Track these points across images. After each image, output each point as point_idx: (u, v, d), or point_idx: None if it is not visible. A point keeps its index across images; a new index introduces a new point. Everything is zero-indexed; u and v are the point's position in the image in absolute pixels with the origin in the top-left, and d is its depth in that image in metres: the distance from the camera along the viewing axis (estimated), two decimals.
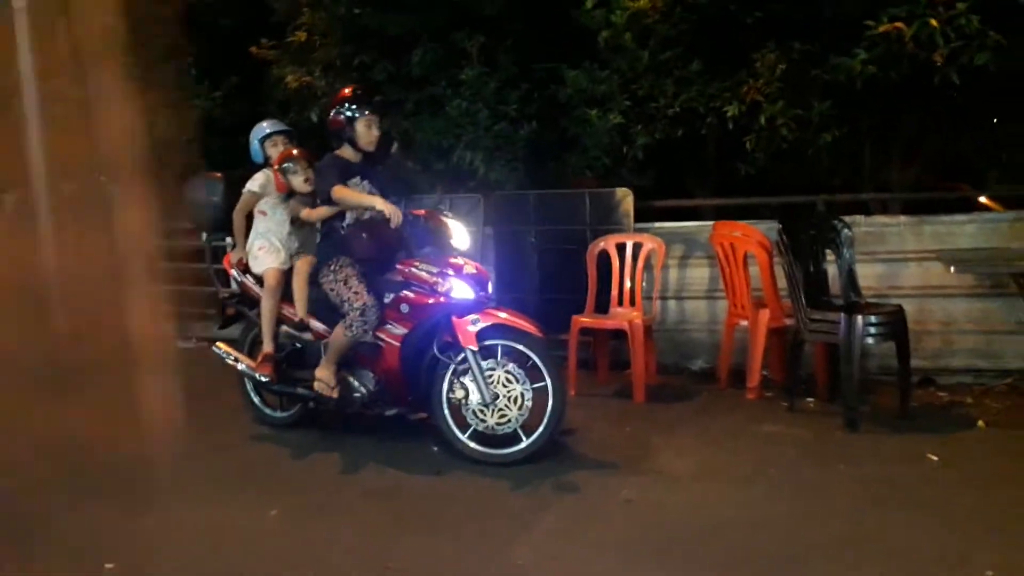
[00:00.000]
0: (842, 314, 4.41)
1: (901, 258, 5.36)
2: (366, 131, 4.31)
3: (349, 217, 4.36)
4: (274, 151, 4.76)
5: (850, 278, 4.80)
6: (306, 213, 4.50)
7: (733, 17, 5.50)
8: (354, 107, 4.30)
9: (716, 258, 5.33)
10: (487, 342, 4.09)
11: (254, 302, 4.69)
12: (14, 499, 3.83)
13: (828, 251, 4.89)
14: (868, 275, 5.16)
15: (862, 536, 3.20)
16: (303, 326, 4.52)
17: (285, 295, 4.55)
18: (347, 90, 4.48)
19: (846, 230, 4.84)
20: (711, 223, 5.54)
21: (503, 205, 6.34)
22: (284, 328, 4.62)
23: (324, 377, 4.30)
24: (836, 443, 4.26)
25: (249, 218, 4.72)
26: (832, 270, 4.90)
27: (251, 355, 4.73)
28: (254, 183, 4.71)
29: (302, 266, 4.53)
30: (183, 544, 3.30)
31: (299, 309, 4.50)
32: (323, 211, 4.40)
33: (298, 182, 4.54)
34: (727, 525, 3.33)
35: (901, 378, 4.63)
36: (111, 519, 3.56)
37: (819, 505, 3.50)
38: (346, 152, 4.39)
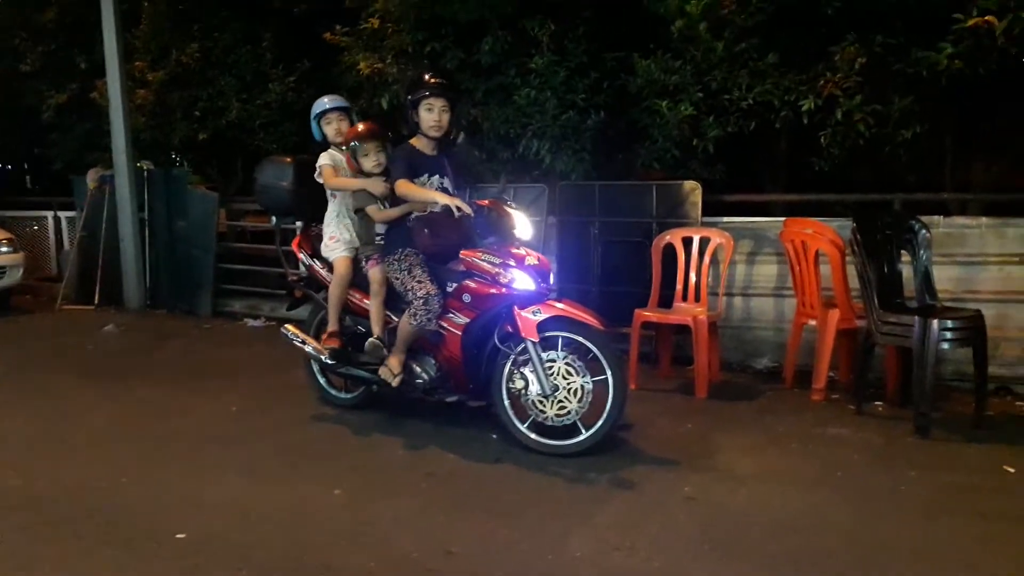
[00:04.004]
0: (916, 317, 4.29)
1: (981, 261, 5.17)
2: (427, 115, 4.23)
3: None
4: (328, 129, 4.72)
5: (926, 280, 4.66)
6: (379, 216, 4.47)
7: (812, 8, 5.35)
8: (415, 91, 4.26)
9: (786, 255, 5.23)
10: (548, 333, 4.07)
11: (321, 285, 4.77)
12: (89, 473, 3.98)
13: (903, 252, 4.75)
14: (945, 278, 5.00)
15: (932, 545, 3.10)
16: (380, 343, 4.44)
17: (353, 282, 4.58)
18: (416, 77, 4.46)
19: (923, 231, 4.69)
20: (782, 219, 5.43)
21: (568, 195, 6.31)
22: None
23: (392, 365, 4.34)
24: (906, 449, 4.14)
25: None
26: (907, 272, 4.75)
27: (317, 337, 4.81)
28: (323, 159, 4.59)
29: (379, 289, 4.42)
30: (250, 519, 3.38)
31: (375, 328, 4.45)
32: (393, 213, 4.39)
33: (368, 164, 4.47)
34: (791, 527, 3.26)
35: (977, 385, 4.48)
36: (181, 491, 3.68)
37: (887, 511, 3.40)
38: (419, 142, 4.35)
